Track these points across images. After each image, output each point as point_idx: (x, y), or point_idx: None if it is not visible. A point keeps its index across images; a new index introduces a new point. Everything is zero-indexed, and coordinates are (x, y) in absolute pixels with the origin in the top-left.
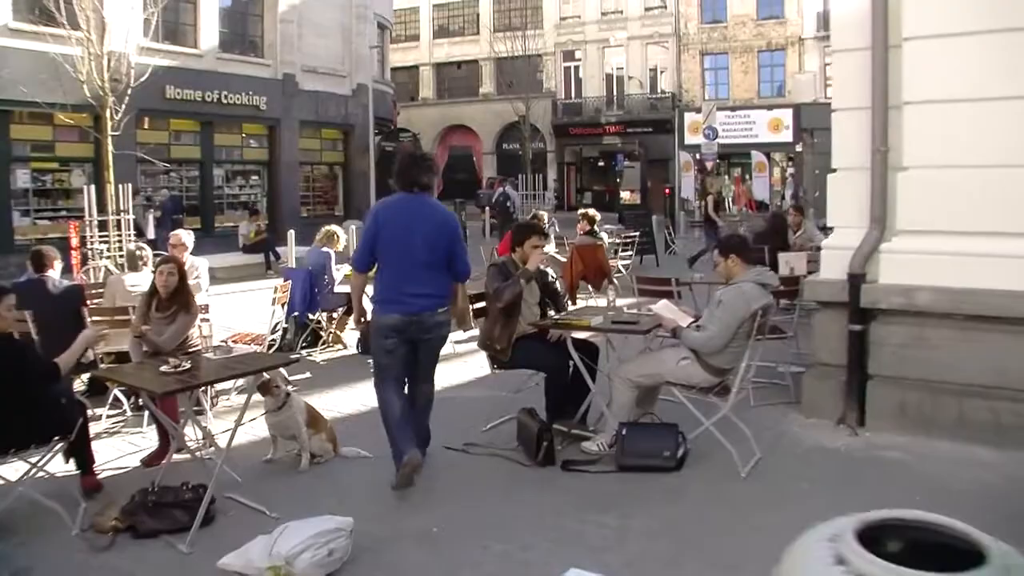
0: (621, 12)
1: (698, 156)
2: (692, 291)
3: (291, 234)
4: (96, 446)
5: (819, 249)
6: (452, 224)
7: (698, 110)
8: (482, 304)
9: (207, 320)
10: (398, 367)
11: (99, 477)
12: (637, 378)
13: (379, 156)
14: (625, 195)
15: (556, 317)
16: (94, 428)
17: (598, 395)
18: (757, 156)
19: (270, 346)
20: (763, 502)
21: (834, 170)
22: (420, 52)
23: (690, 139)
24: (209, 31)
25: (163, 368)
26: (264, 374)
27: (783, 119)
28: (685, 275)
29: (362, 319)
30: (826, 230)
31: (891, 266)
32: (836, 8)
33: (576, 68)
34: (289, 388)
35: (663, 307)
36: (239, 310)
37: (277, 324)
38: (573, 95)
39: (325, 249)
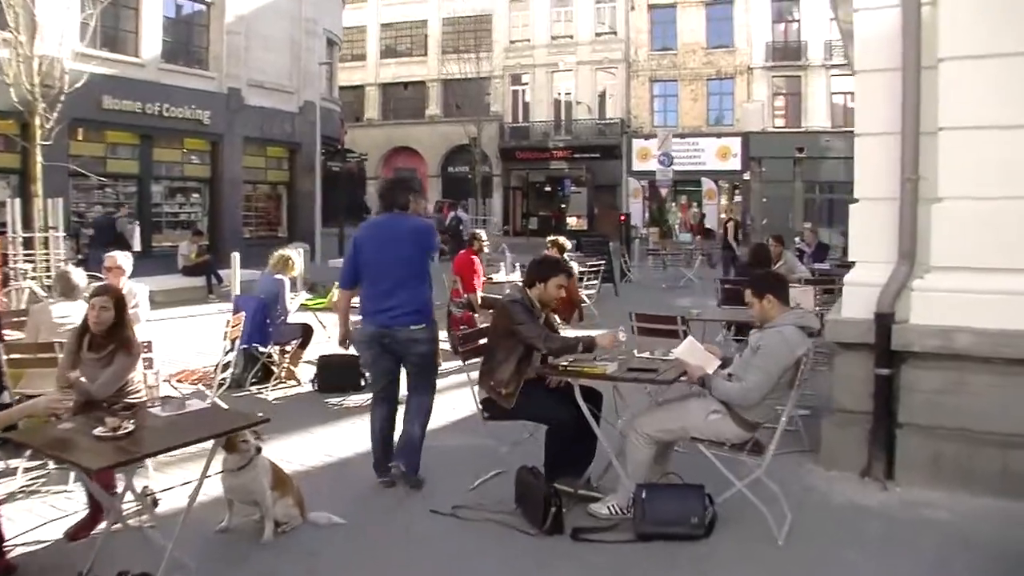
0: (571, 37)
1: (644, 184)
2: (688, 328)
3: (235, 256)
4: (9, 511)
5: (806, 282)
6: (423, 230)
7: (647, 137)
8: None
9: (150, 361)
10: (383, 380)
11: (11, 556)
12: (656, 433)
13: (325, 176)
14: (572, 221)
15: (565, 363)
16: (8, 486)
17: (608, 449)
18: (707, 183)
19: (220, 385)
20: (805, 571)
21: (855, 200)
22: (366, 72)
23: (638, 165)
24: (151, 39)
25: (98, 431)
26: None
27: (731, 147)
28: (671, 308)
29: (346, 340)
30: (801, 256)
31: (925, 305)
32: (861, 27)
33: (524, 92)
34: (260, 444)
35: (687, 350)
36: (180, 339)
37: (227, 362)
38: (521, 119)
39: (279, 276)
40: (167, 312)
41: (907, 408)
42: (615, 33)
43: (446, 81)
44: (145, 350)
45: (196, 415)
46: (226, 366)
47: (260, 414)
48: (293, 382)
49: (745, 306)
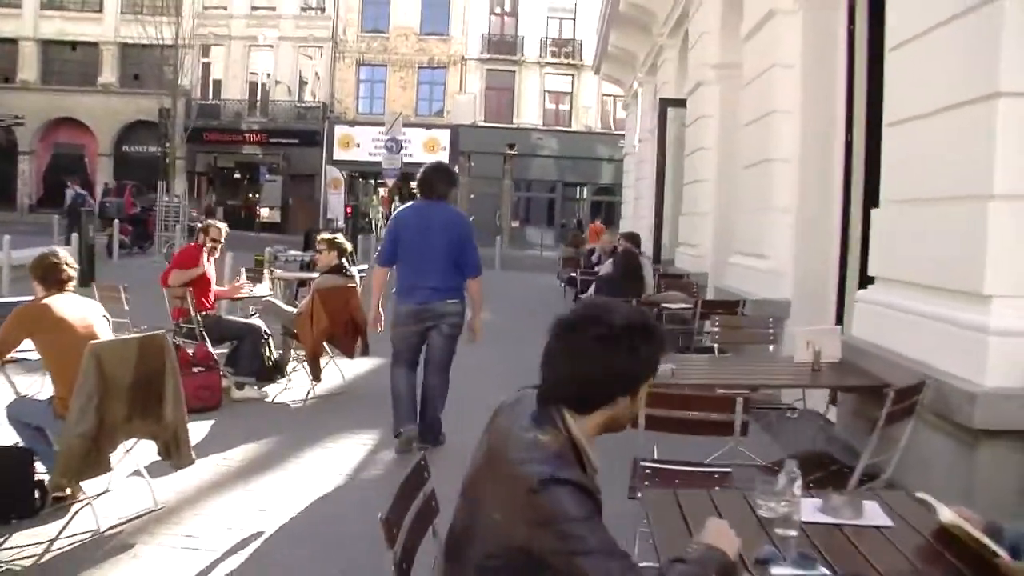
0: (274, 9)
1: (344, 174)
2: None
3: None
4: None
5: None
6: (460, 224)
7: (351, 123)
8: None
9: None
10: (409, 352)
11: None
12: None
13: None
14: (264, 212)
15: None
16: None
17: None
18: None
19: None
20: None
21: (989, 198)
22: (22, 23)
23: (340, 154)
24: None
25: None
26: None
27: (440, 139)
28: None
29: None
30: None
31: None
32: None
33: (216, 66)
34: None
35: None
36: None
37: None
38: (211, 96)
39: None
40: None
41: None
42: (322, 10)
43: (124, 45)
44: None
45: None
46: None
47: None
48: None
49: None
